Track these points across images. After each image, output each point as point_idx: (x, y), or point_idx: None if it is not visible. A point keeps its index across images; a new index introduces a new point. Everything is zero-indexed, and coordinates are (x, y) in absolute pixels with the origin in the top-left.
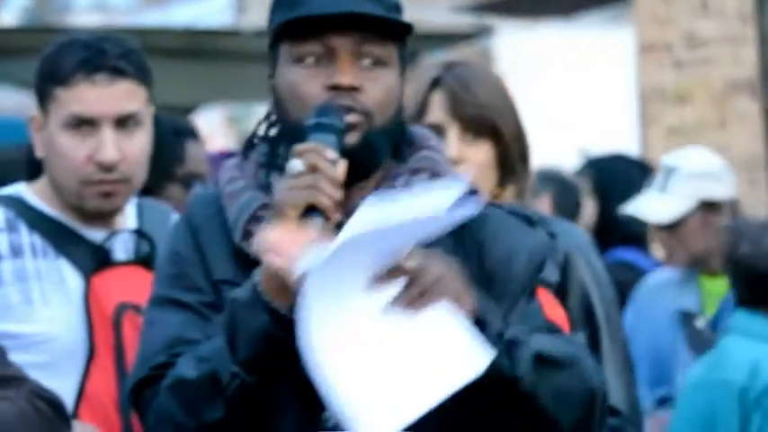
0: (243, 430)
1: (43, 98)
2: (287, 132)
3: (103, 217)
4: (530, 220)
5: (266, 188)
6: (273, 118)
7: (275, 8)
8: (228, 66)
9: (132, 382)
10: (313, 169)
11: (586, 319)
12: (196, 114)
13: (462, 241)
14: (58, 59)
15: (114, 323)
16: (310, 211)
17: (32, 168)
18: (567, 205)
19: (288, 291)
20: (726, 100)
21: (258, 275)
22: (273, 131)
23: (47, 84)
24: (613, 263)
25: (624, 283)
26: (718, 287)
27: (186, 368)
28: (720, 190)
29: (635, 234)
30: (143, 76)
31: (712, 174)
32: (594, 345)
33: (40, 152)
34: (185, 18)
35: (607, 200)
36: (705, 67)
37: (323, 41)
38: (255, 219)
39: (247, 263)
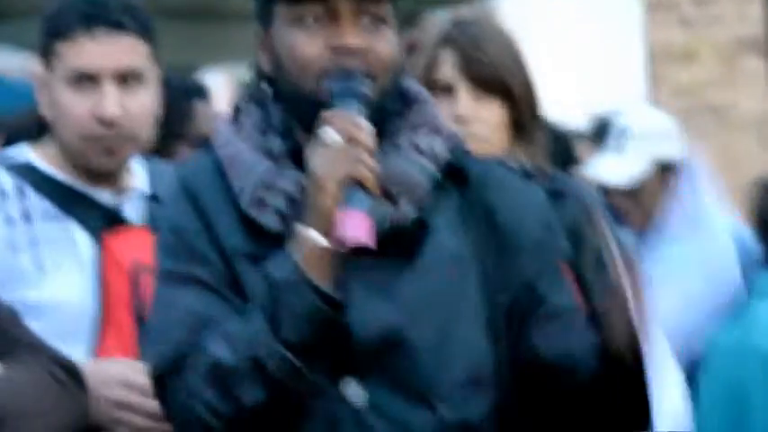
0: (281, 411)
1: (47, 55)
2: (288, 95)
3: (109, 176)
4: (526, 174)
5: (267, 152)
6: (254, 76)
7: None
8: (233, 26)
9: (153, 363)
10: (351, 140)
11: (600, 279)
12: (199, 75)
13: (468, 202)
14: (60, 15)
15: (132, 278)
16: (351, 183)
17: (40, 130)
18: (559, 156)
19: (328, 266)
20: (733, 58)
21: (297, 252)
22: (264, 91)
23: (49, 40)
24: None
25: None
26: None
27: (219, 350)
28: (675, 149)
29: None
30: (145, 33)
31: (665, 133)
32: None
33: (45, 111)
34: None
35: None
36: (712, 26)
37: (325, 1)
38: (264, 185)
39: (259, 232)
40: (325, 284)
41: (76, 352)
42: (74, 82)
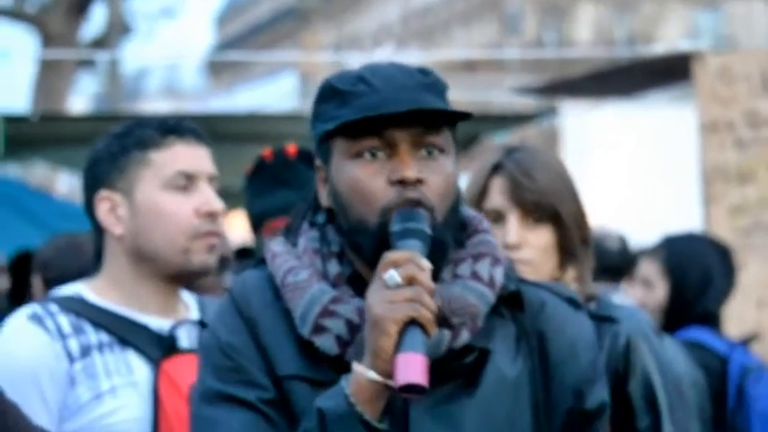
0: None
1: (125, 169)
2: (350, 228)
3: (167, 304)
4: (574, 303)
5: (327, 278)
6: (310, 206)
7: (323, 101)
8: (225, 146)
9: None
10: (411, 281)
11: (648, 405)
12: None
13: (524, 330)
14: (143, 130)
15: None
16: (409, 324)
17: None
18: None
19: (379, 401)
20: None
21: (349, 385)
22: (321, 217)
23: (133, 152)
24: (685, 343)
25: (704, 366)
26: None
27: None
28: None
29: (707, 313)
30: None
31: None
32: (657, 431)
33: (118, 229)
34: (251, 102)
35: (680, 279)
36: (767, 147)
37: (382, 136)
38: (327, 312)
39: (316, 357)
40: (373, 417)
41: None
42: (175, 184)
